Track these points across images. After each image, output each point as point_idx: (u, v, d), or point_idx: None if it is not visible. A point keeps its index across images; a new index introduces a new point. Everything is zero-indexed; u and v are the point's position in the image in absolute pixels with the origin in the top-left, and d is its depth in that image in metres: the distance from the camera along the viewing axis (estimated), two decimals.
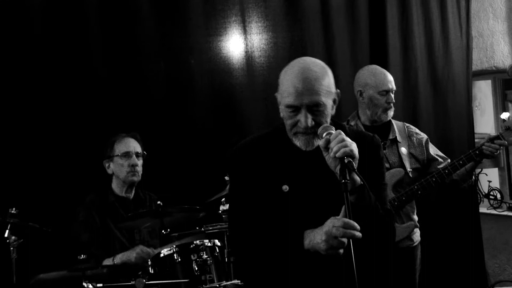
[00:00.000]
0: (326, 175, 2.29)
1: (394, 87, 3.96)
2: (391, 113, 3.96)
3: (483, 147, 3.81)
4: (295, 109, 2.37)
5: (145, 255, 3.73)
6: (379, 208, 2.34)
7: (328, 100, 2.39)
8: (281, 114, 2.47)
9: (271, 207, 2.41)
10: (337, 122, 2.50)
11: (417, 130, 4.11)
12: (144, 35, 4.77)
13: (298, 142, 2.41)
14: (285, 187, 2.41)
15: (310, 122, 2.35)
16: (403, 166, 3.90)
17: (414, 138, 4.03)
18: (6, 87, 4.49)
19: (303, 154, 2.44)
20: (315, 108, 2.36)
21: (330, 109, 2.41)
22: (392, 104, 3.94)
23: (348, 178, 2.15)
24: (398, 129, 4.02)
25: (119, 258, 3.79)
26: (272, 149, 2.48)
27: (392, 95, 3.93)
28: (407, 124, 4.13)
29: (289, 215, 2.39)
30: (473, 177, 4.00)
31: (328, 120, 2.40)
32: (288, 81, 2.38)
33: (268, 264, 2.42)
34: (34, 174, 4.44)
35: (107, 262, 3.79)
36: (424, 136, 4.08)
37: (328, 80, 2.40)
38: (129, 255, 3.76)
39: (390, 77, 3.96)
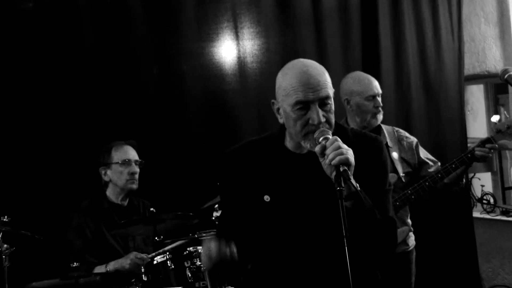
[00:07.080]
0: (322, 179, 2.26)
1: (380, 91, 3.94)
2: (380, 117, 3.94)
3: (475, 150, 3.81)
4: (304, 106, 2.29)
5: (139, 261, 3.71)
6: (376, 214, 2.31)
7: (332, 96, 2.36)
8: (282, 120, 2.41)
9: (253, 217, 2.41)
10: (340, 124, 2.46)
11: (407, 134, 4.10)
12: (137, 41, 4.76)
13: (308, 144, 2.33)
14: (267, 197, 2.39)
15: (322, 117, 2.29)
16: (396, 171, 3.89)
17: (404, 142, 4.02)
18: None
19: (296, 159, 2.42)
20: (326, 102, 2.31)
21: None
22: (380, 108, 3.92)
23: (343, 185, 2.12)
24: (388, 134, 4.00)
25: (112, 266, 3.77)
26: (262, 156, 2.45)
27: (379, 99, 3.91)
28: (396, 128, 4.12)
29: (270, 225, 2.39)
30: (464, 180, 4.00)
31: (333, 117, 2.36)
32: (292, 79, 2.32)
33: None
34: (26, 182, 4.41)
35: (100, 269, 3.76)
36: (413, 139, 4.07)
37: (328, 76, 2.37)
38: (123, 262, 3.74)
39: (375, 82, 3.94)
